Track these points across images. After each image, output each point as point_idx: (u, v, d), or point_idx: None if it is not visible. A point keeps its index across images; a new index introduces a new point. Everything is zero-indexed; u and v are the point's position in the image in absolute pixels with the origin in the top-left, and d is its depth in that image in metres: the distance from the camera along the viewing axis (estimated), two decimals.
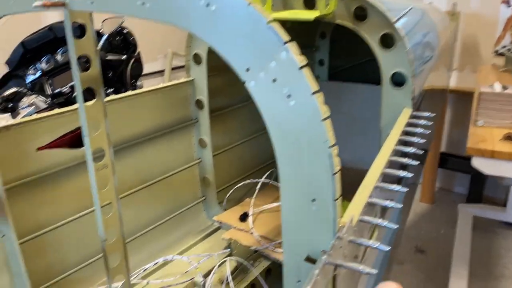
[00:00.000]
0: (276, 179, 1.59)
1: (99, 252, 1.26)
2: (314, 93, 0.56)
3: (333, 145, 0.57)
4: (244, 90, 0.61)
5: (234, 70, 0.60)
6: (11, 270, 1.10)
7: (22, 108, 1.96)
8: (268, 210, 1.51)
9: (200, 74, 1.45)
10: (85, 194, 1.28)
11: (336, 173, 0.58)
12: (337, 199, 0.59)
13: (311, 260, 0.61)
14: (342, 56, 2.02)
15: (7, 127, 1.05)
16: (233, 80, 1.65)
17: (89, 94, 0.81)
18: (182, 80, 1.45)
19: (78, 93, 0.76)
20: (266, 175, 1.57)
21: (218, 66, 1.48)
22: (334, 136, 0.56)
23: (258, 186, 1.55)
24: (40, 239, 1.14)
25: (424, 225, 2.96)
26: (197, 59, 1.44)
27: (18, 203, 1.09)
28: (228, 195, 1.57)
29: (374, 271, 0.59)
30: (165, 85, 1.39)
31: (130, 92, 1.32)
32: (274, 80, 0.57)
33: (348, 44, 1.96)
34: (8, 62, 2.10)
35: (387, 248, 0.62)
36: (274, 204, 1.52)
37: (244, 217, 1.48)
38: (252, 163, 1.78)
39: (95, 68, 0.79)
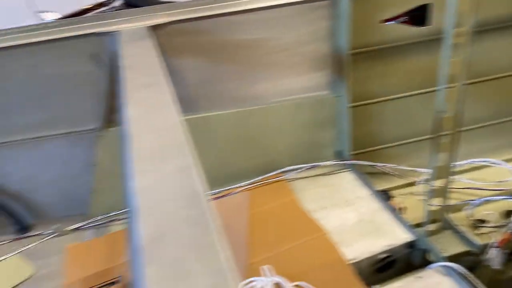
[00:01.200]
0: None
1: (417, 135, 1.25)
2: None
3: None
4: None
5: None
6: (337, 127, 1.24)
7: None
8: None
9: None
10: (421, 74, 1.22)
11: None
12: None
13: None
14: None
15: None
16: None
17: None
18: None
19: None
20: None
21: None
22: None
23: None
24: (369, 108, 1.22)
25: None
26: None
27: (358, 70, 1.16)
28: None
29: None
30: None
31: None
32: None
33: None
34: None
35: None
36: None
37: None
38: None
39: None
